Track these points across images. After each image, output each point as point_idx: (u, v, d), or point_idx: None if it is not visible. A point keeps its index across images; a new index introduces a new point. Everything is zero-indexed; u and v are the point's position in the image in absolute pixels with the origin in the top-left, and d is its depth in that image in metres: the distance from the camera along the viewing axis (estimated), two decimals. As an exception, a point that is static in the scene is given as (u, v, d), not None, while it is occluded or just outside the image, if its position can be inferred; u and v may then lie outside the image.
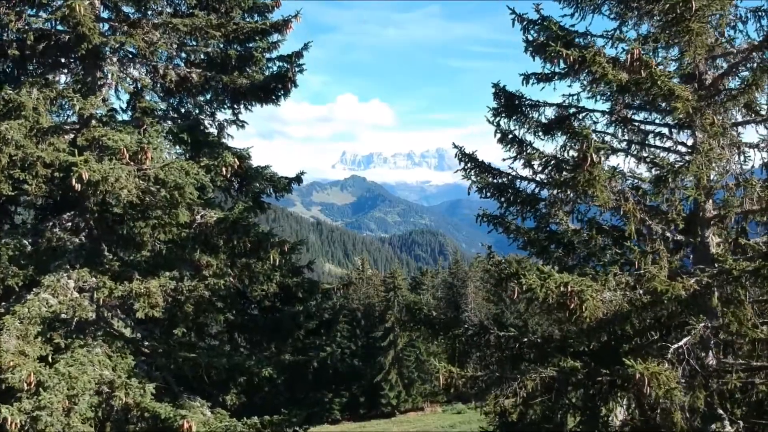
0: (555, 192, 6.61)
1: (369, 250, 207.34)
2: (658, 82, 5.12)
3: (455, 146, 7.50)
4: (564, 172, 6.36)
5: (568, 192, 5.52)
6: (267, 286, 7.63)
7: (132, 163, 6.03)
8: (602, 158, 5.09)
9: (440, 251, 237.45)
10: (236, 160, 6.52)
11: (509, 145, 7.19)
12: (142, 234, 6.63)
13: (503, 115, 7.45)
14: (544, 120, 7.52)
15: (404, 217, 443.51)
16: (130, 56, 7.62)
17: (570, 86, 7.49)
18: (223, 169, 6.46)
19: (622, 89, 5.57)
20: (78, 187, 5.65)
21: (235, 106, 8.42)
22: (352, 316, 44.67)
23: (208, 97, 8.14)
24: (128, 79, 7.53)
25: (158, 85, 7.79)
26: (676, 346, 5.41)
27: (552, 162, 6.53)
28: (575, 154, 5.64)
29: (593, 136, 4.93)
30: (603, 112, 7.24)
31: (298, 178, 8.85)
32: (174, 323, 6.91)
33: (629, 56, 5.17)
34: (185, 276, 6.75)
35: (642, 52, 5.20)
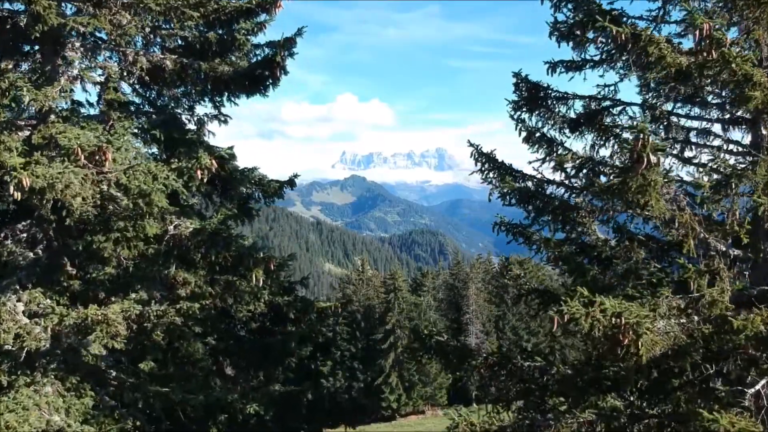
0: (589, 199, 5.62)
1: (369, 249, 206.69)
2: (733, 65, 4.13)
3: (471, 144, 6.50)
4: (604, 177, 5.36)
5: (613, 201, 4.53)
6: (254, 305, 6.67)
7: (90, 165, 5.04)
8: (661, 159, 4.10)
9: (440, 251, 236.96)
10: (213, 161, 5.51)
11: (536, 145, 6.18)
12: (101, 249, 5.63)
13: (525, 109, 6.46)
14: (571, 115, 6.53)
15: (404, 217, 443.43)
16: (97, 41, 6.60)
17: (602, 76, 6.50)
18: (198, 172, 5.45)
19: (681, 76, 4.58)
20: (18, 195, 4.66)
21: (217, 97, 7.37)
22: (351, 317, 43.95)
23: (186, 88, 7.06)
24: (94, 67, 6.51)
25: (128, 75, 6.78)
26: (753, 390, 4.43)
27: (587, 164, 5.54)
28: (620, 155, 4.65)
29: (650, 132, 3.94)
30: (643, 106, 6.25)
31: (291, 182, 7.81)
32: (144, 352, 5.94)
33: (698, 33, 4.18)
34: (155, 298, 5.78)
35: (713, 27, 4.20)
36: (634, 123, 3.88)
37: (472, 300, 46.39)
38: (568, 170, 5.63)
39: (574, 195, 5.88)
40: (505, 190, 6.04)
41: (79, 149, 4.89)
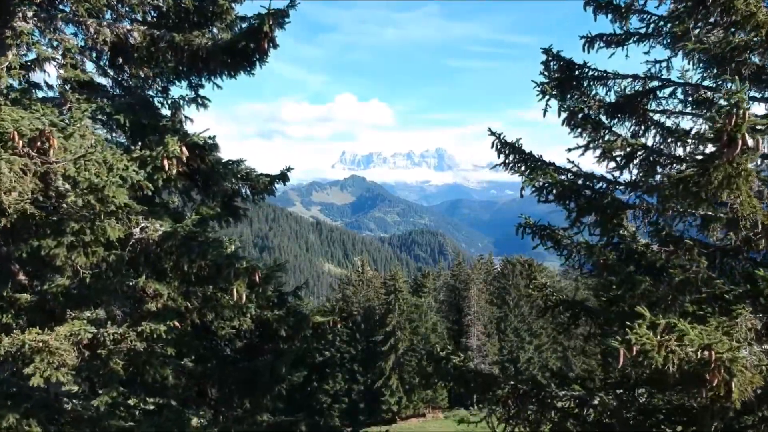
0: (638, 195, 4.65)
1: (368, 250, 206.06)
2: None
3: (492, 133, 5.55)
4: (660, 167, 4.40)
5: (682, 197, 3.57)
6: (239, 321, 5.68)
7: (34, 153, 4.07)
8: (760, 143, 3.15)
9: (440, 251, 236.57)
10: (184, 148, 4.50)
11: (579, 129, 5.19)
12: (53, 256, 4.62)
13: (556, 91, 5.50)
14: (610, 99, 5.57)
15: (404, 217, 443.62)
16: (53, 11, 5.60)
17: (647, 53, 5.55)
18: (165, 161, 4.45)
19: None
20: (-69, 189, 3.72)
21: (194, 76, 6.31)
22: (351, 319, 43.22)
23: (158, 65, 5.99)
24: (49, 41, 5.52)
25: (91, 51, 5.80)
26: None
27: (642, 152, 4.58)
28: (709, 135, 3.68)
29: (748, 106, 2.99)
30: (697, 87, 5.29)
31: (283, 176, 6.81)
32: (105, 379, 4.95)
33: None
34: (116, 316, 4.81)
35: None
36: (727, 93, 2.95)
37: (474, 301, 45.61)
38: (618, 159, 4.65)
39: (613, 189, 4.90)
40: (541, 184, 5.04)
41: (16, 134, 3.91)
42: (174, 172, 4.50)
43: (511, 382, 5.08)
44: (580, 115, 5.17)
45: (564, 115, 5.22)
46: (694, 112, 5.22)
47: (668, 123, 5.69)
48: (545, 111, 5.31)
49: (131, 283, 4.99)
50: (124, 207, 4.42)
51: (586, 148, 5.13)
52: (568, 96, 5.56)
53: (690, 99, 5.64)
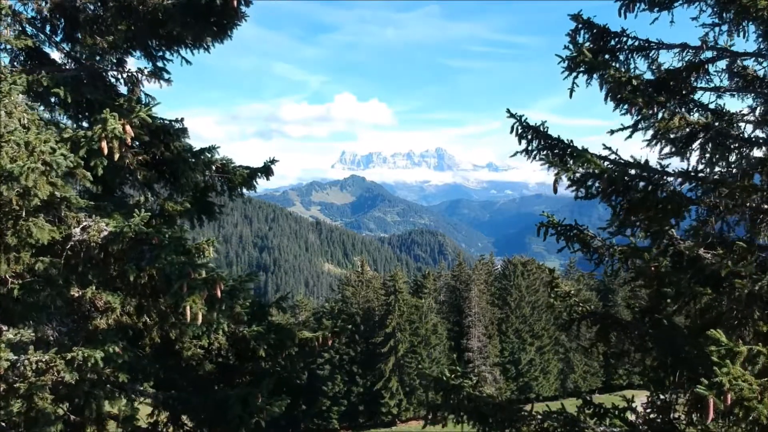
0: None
1: (368, 250, 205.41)
2: None
3: (512, 115, 4.62)
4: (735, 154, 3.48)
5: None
6: (209, 339, 4.76)
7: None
8: None
9: (440, 251, 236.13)
10: (127, 128, 3.59)
11: (627, 104, 4.22)
12: (-32, 262, 3.74)
13: (585, 65, 4.57)
14: (651, 75, 4.65)
15: (403, 217, 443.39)
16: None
17: (696, 18, 4.62)
18: (103, 143, 3.52)
19: None
20: None
21: (152, 45, 5.36)
22: (351, 320, 42.44)
23: (109, 32, 5.00)
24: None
25: (39, 21, 4.88)
26: None
27: (704, 135, 3.67)
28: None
29: None
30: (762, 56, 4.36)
31: (266, 169, 5.92)
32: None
33: None
34: (51, 335, 3.91)
35: None
36: None
37: (474, 302, 44.85)
38: (676, 142, 3.72)
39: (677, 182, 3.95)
40: (581, 174, 4.07)
41: None
42: (117, 157, 3.58)
43: (539, 417, 4.18)
44: (628, 87, 4.19)
45: (607, 87, 4.25)
46: (759, 90, 4.26)
47: (714, 104, 4.78)
48: (572, 91, 4.39)
49: (77, 295, 4.07)
50: (59, 201, 3.51)
51: (634, 128, 4.18)
52: (601, 71, 4.63)
53: (740, 75, 4.71)
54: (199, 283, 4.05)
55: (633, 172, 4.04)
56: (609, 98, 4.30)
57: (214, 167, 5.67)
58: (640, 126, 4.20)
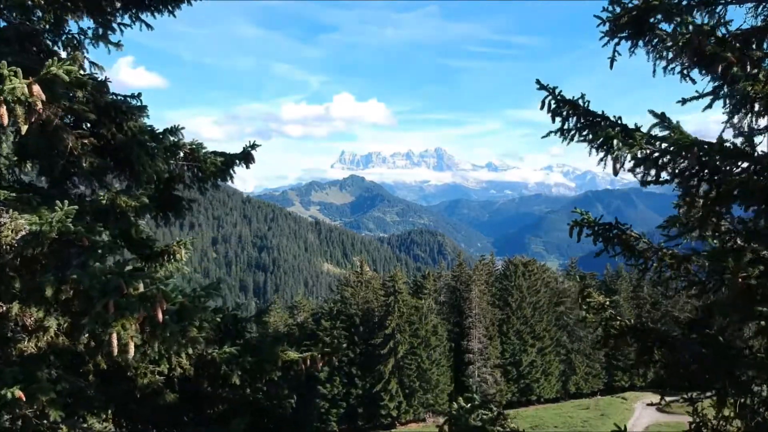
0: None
1: (368, 250, 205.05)
2: None
3: (542, 86, 3.90)
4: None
5: None
6: (169, 364, 3.97)
7: None
8: None
9: (439, 251, 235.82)
10: (36, 88, 2.82)
11: (708, 64, 3.45)
12: None
13: (628, 31, 3.84)
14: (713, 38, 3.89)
15: (403, 217, 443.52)
16: None
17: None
18: (2, 111, 2.73)
19: None
20: None
21: (105, 5, 4.68)
22: (350, 321, 41.97)
23: None
24: None
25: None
26: None
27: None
28: None
29: None
30: None
31: (245, 156, 5.16)
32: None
33: None
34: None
35: None
36: None
37: (475, 303, 44.35)
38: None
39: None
40: (648, 153, 3.31)
41: None
42: (26, 130, 2.87)
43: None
44: (712, 39, 3.38)
45: (685, 40, 3.41)
46: None
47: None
48: (612, 60, 3.73)
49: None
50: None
51: (715, 96, 3.45)
52: (648, 37, 3.86)
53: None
54: (132, 302, 3.06)
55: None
56: (682, 56, 3.50)
57: (181, 153, 4.89)
58: (721, 93, 3.42)
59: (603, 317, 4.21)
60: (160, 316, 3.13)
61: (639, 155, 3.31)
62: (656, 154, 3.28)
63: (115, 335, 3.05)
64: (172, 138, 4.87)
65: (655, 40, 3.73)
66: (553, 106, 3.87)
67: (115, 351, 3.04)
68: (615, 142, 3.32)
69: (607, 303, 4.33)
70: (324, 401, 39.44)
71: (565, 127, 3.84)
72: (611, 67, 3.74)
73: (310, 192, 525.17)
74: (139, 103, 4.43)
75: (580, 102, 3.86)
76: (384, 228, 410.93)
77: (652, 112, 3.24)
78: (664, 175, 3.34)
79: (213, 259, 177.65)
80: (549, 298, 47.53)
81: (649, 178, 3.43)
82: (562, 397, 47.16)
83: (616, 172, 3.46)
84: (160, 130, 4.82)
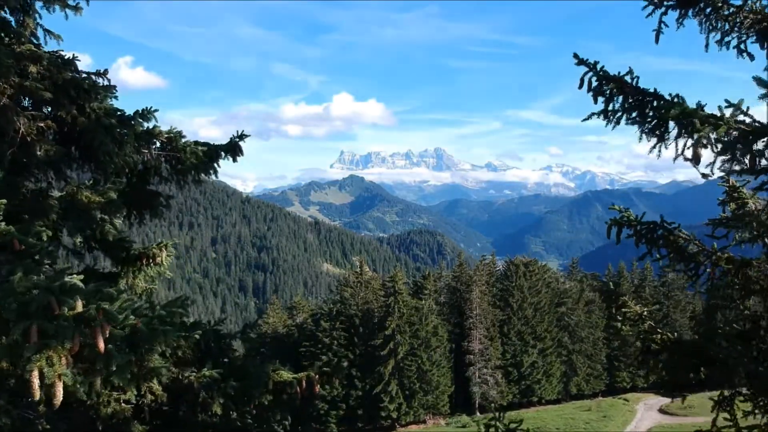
0: None
1: (367, 250, 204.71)
2: None
3: (581, 60, 3.34)
4: None
5: None
6: (137, 391, 3.25)
7: None
8: None
9: (438, 251, 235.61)
10: None
11: None
12: None
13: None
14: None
15: (402, 217, 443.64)
16: None
17: None
18: None
19: None
20: None
21: None
22: (349, 322, 41.54)
23: None
24: None
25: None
26: None
27: None
28: None
29: None
30: None
31: (232, 148, 4.58)
32: None
33: None
34: None
35: None
36: None
37: (476, 303, 43.94)
38: None
39: None
40: (735, 138, 2.72)
41: None
42: None
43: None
44: None
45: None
46: None
47: None
48: (659, 32, 3.21)
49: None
50: None
51: None
52: (700, 5, 3.31)
53: None
54: (64, 327, 2.35)
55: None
56: (735, 32, 2.96)
57: (158, 143, 4.27)
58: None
59: (642, 330, 3.71)
60: (102, 344, 2.39)
61: (725, 138, 2.74)
62: (750, 137, 2.71)
63: (36, 373, 2.28)
64: (145, 123, 4.24)
65: (708, 9, 3.22)
66: (594, 83, 3.29)
67: (36, 394, 2.28)
68: (673, 124, 2.82)
69: (645, 313, 3.82)
70: (323, 403, 38.98)
71: (610, 108, 3.30)
72: (657, 40, 3.24)
73: (310, 192, 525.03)
74: (105, 82, 3.86)
75: (628, 78, 3.32)
76: (383, 228, 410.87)
77: (757, 78, 2.66)
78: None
79: (212, 259, 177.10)
80: (550, 298, 47.09)
81: (737, 167, 2.88)
82: (563, 399, 46.73)
83: (697, 160, 2.91)
84: (130, 113, 4.18)
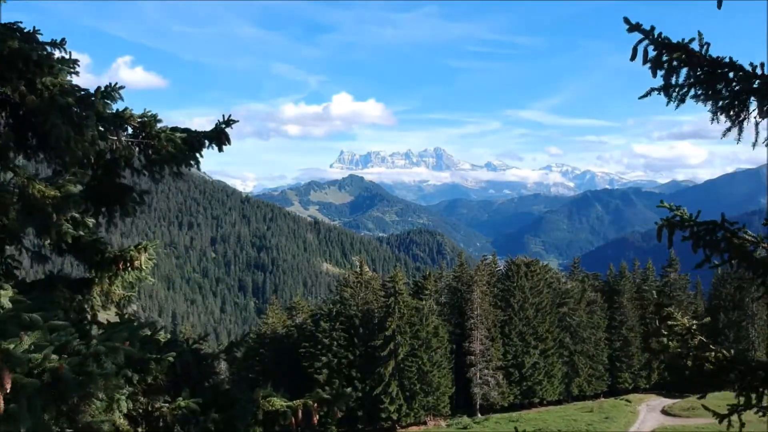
0: None
1: (367, 249, 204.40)
2: None
3: (633, 26, 2.82)
4: None
5: None
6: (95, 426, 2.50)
7: None
8: None
9: (438, 251, 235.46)
10: None
11: None
12: None
13: None
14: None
15: (402, 217, 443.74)
16: None
17: None
18: None
19: None
20: None
21: None
22: (349, 323, 41.12)
23: None
24: None
25: None
26: None
27: None
28: None
29: None
30: None
31: (217, 135, 3.98)
32: None
33: None
34: None
35: None
36: None
37: (477, 304, 43.51)
38: None
39: None
40: None
41: None
42: None
43: None
44: None
45: None
46: None
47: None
48: None
49: None
50: None
51: None
52: None
53: None
54: None
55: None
56: None
57: (129, 129, 3.68)
58: None
59: (692, 346, 3.22)
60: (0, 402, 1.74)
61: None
62: None
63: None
64: (110, 103, 3.59)
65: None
66: (652, 53, 2.74)
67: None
68: (754, 100, 2.35)
69: (694, 327, 3.33)
70: (323, 405, 38.54)
71: (673, 81, 2.78)
72: (719, 6, 2.76)
73: (309, 192, 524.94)
74: (62, 54, 3.26)
75: (695, 46, 2.74)
76: (383, 228, 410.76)
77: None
78: None
79: (212, 259, 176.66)
80: (551, 298, 46.65)
81: None
82: (565, 400, 46.30)
83: (754, 144, 2.46)
84: (92, 90, 3.52)
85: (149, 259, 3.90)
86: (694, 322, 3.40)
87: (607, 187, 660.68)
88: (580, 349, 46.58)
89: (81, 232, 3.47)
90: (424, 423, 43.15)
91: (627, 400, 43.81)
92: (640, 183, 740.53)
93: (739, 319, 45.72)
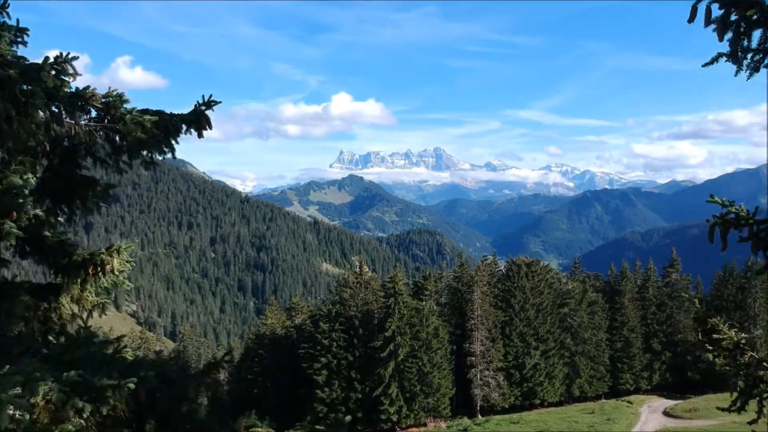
0: None
1: (366, 249, 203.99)
2: None
3: None
4: None
5: None
6: None
7: None
8: None
9: (438, 251, 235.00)
10: None
11: None
12: None
13: None
14: None
15: (402, 217, 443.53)
16: None
17: None
18: None
19: None
20: None
21: None
22: (349, 323, 40.74)
23: None
24: None
25: None
26: None
27: None
28: None
29: None
30: None
31: (197, 118, 3.45)
32: None
33: None
34: None
35: None
36: None
37: (477, 304, 43.13)
38: None
39: None
40: None
41: None
42: None
43: None
44: None
45: None
46: None
47: None
48: None
49: None
50: None
51: None
52: None
53: None
54: None
55: None
56: None
57: (92, 110, 3.12)
58: None
59: (743, 363, 2.81)
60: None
61: None
62: None
63: None
64: (68, 80, 2.97)
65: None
66: (718, 12, 2.27)
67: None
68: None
69: (743, 341, 2.92)
70: (322, 405, 38.21)
71: (745, 44, 2.32)
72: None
73: (309, 192, 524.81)
74: (5, 19, 2.73)
75: None
76: (383, 228, 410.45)
77: None
78: None
79: (211, 259, 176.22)
80: (552, 299, 46.23)
81: None
82: (566, 401, 45.91)
83: None
84: (39, 62, 2.88)
85: (126, 262, 3.51)
86: (744, 335, 2.99)
87: (607, 187, 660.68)
88: (581, 350, 46.19)
89: (47, 233, 3.08)
90: (424, 424, 42.78)
91: (628, 402, 43.43)
92: (640, 183, 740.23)
93: (741, 319, 45.33)
